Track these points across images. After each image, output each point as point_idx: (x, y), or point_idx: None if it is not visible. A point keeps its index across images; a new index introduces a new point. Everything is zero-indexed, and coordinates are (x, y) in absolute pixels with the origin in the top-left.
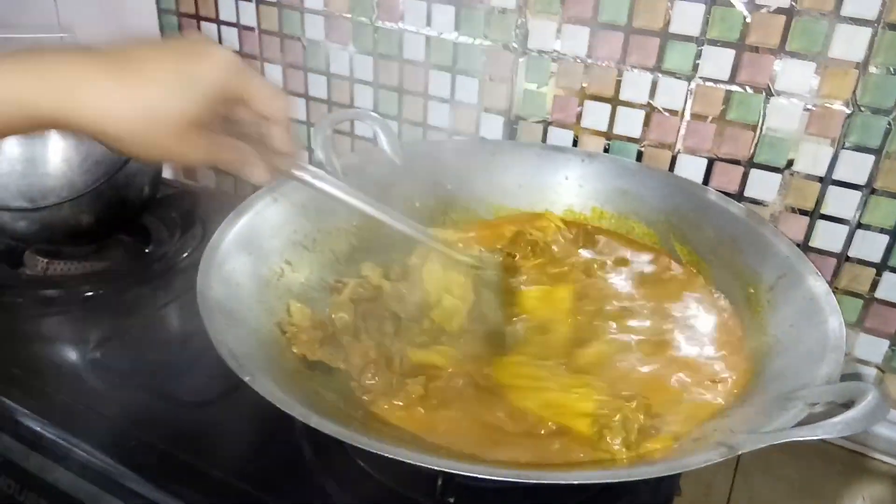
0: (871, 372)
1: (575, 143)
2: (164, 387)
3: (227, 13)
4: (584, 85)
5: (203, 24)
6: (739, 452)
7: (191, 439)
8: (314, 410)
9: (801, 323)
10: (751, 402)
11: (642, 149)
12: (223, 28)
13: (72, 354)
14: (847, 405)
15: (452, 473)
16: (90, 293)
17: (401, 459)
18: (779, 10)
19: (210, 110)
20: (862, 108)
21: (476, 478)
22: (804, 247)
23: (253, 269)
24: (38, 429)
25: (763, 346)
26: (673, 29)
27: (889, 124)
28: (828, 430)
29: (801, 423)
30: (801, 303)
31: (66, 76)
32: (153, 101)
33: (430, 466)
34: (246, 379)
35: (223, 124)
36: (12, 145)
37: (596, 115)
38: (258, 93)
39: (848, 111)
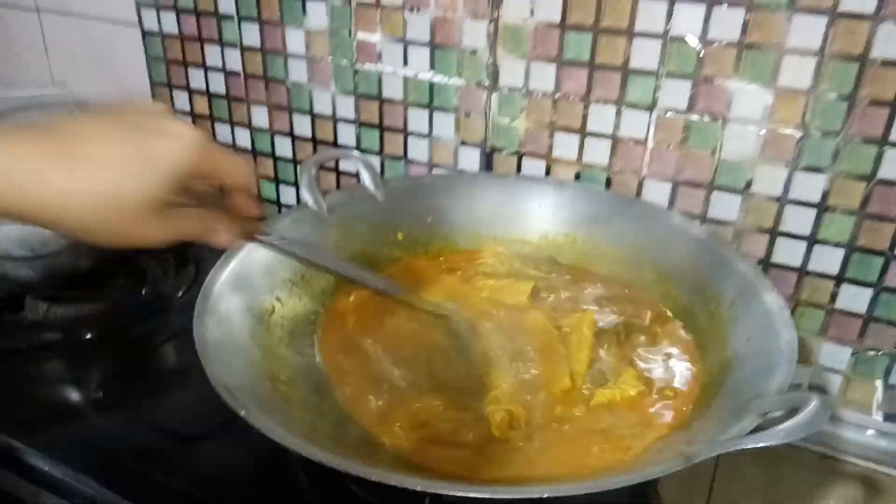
0: (837, 379)
1: (548, 173)
2: (165, 423)
3: (213, 59)
4: (554, 118)
5: (190, 69)
6: (695, 461)
7: (191, 472)
8: (307, 439)
9: (757, 337)
10: (712, 413)
11: (611, 176)
12: (210, 73)
13: (75, 395)
14: (793, 413)
15: (439, 494)
16: (90, 335)
17: (387, 483)
18: (729, 44)
19: (170, 192)
20: (811, 132)
21: (458, 496)
22: (766, 263)
23: (245, 308)
24: (47, 468)
25: (724, 361)
26: (633, 65)
27: (838, 146)
28: (772, 437)
29: (754, 431)
30: (758, 318)
31: (3, 163)
32: (103, 187)
33: (412, 488)
34: (241, 413)
35: (182, 195)
36: None
37: (566, 146)
38: (223, 167)
39: (799, 135)
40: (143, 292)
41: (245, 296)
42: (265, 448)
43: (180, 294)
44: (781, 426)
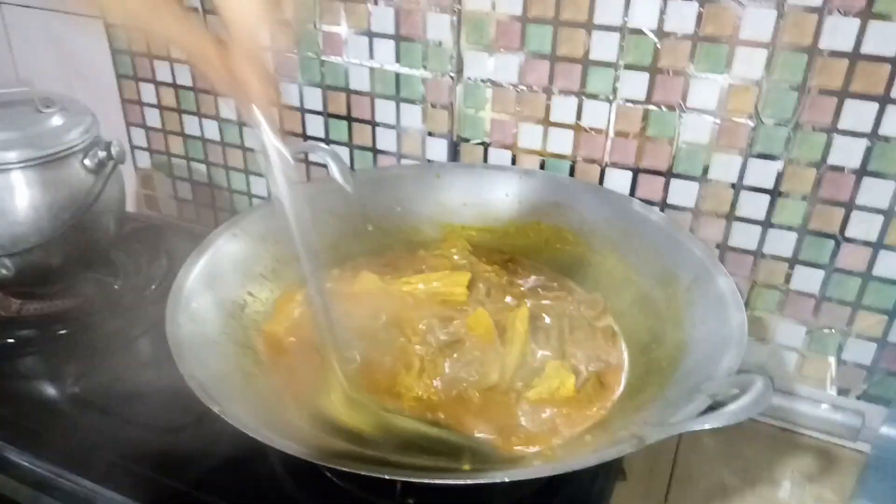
0: (793, 356)
1: (513, 162)
2: (142, 415)
3: (178, 51)
4: (518, 108)
5: (156, 62)
6: (648, 443)
7: (169, 462)
8: (279, 432)
9: (710, 320)
10: (665, 395)
11: (574, 164)
12: (175, 66)
13: (52, 391)
14: (740, 396)
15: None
16: (64, 331)
17: (358, 472)
18: (685, 37)
19: None
20: (764, 121)
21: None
22: (723, 246)
23: (217, 303)
24: (26, 463)
25: (680, 344)
26: (593, 56)
27: (789, 134)
28: (718, 419)
29: (704, 413)
30: (712, 302)
31: None
32: None
33: (381, 476)
34: (215, 409)
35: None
36: None
37: (530, 136)
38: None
39: (752, 124)
40: (116, 287)
41: (217, 291)
42: (242, 438)
43: (153, 287)
44: (728, 408)
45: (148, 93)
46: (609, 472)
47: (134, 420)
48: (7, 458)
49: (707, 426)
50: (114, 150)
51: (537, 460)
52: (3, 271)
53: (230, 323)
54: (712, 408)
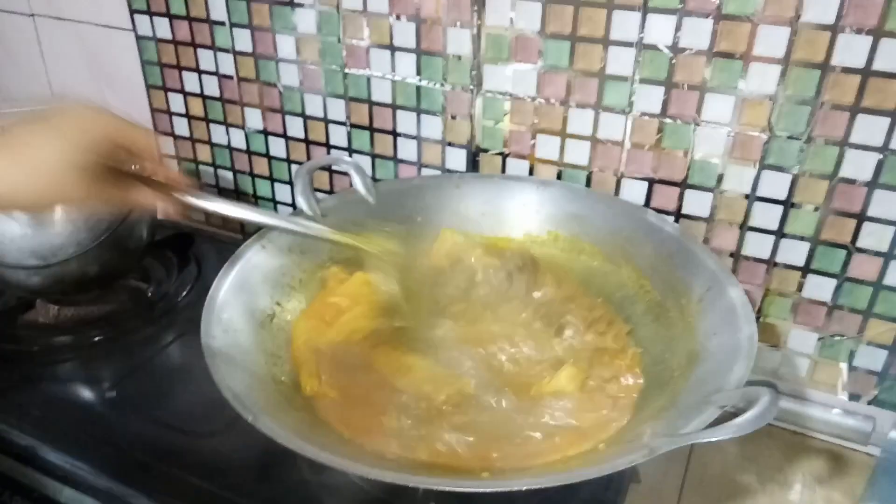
0: (805, 362)
1: (531, 172)
2: (176, 419)
3: (206, 63)
4: (536, 121)
5: (184, 73)
6: (658, 453)
7: (202, 466)
8: (308, 440)
9: (722, 331)
10: (678, 405)
11: (591, 175)
12: (204, 76)
13: (88, 394)
14: (748, 407)
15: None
16: (99, 337)
17: (383, 480)
18: (699, 52)
19: (84, 155)
20: (777, 134)
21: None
22: (737, 255)
23: (248, 313)
24: (67, 465)
25: (693, 354)
26: (609, 71)
27: (802, 147)
28: (725, 431)
29: (714, 424)
30: (723, 313)
31: None
32: (31, 159)
33: (405, 483)
34: (248, 419)
35: (118, 175)
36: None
37: (548, 147)
38: (126, 133)
39: (765, 137)
40: (149, 293)
41: (247, 302)
42: (272, 442)
43: (185, 293)
44: (735, 420)
45: (176, 103)
46: (623, 475)
47: (167, 424)
48: (46, 459)
49: (715, 438)
50: None
51: (553, 468)
52: (42, 280)
53: (260, 333)
54: (717, 419)
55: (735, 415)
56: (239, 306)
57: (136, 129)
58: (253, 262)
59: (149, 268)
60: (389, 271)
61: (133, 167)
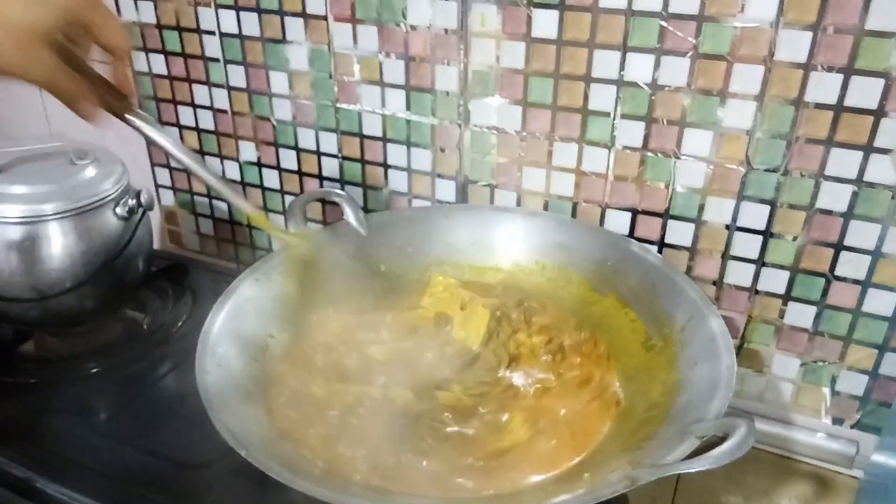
0: (789, 387)
1: (519, 203)
2: (172, 451)
3: (201, 98)
4: (522, 154)
5: (180, 107)
6: (639, 484)
7: (196, 497)
8: (298, 473)
9: (702, 361)
10: (659, 435)
11: (576, 205)
12: (199, 111)
13: (83, 425)
14: (725, 438)
15: None
16: (96, 369)
17: None
18: (677, 89)
19: (56, 26)
20: (755, 167)
21: None
22: (719, 283)
23: (242, 347)
24: (64, 497)
25: (674, 384)
26: (591, 106)
27: (779, 180)
28: (702, 463)
29: (693, 454)
30: (704, 343)
31: None
32: (5, 11)
33: None
34: (242, 453)
35: (69, 57)
36: (21, 245)
37: (534, 179)
38: (105, 22)
39: (743, 170)
40: (145, 325)
41: (241, 336)
42: (264, 475)
43: (180, 324)
44: (712, 452)
45: (172, 136)
46: (612, 500)
47: (161, 455)
48: (44, 491)
49: (693, 469)
50: (143, 198)
51: (534, 496)
52: (39, 313)
53: (253, 366)
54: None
55: (714, 443)
56: (233, 340)
57: (118, 21)
58: (246, 294)
59: (144, 299)
60: (294, 260)
61: (88, 55)
